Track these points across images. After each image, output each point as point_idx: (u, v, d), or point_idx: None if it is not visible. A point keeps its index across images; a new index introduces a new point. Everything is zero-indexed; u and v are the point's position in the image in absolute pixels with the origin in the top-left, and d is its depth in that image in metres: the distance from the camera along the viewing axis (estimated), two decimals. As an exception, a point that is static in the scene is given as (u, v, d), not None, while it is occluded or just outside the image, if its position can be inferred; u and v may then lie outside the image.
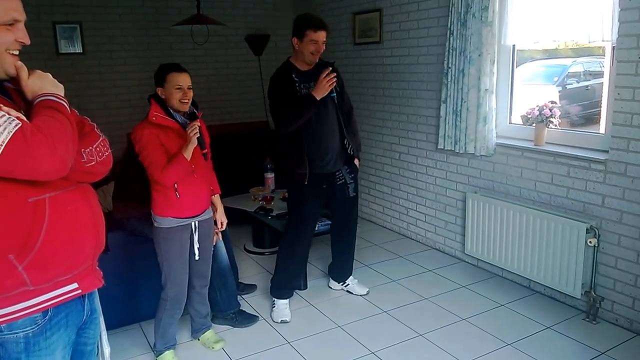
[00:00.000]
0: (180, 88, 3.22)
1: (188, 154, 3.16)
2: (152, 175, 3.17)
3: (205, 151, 3.31)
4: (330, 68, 3.78)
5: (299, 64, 3.94)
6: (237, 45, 7.08)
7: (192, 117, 3.30)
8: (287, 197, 4.33)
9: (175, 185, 3.20)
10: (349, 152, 4.09)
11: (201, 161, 3.32)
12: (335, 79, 3.76)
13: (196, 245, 3.40)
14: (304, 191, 3.97)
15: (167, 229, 3.29)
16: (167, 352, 3.53)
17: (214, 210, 3.64)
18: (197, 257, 3.43)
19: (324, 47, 3.88)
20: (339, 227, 4.40)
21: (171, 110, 3.25)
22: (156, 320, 3.49)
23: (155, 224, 3.31)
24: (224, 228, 3.74)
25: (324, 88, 3.73)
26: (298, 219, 4.10)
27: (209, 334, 3.76)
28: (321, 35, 3.83)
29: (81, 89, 6.18)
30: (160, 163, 3.13)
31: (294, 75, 3.88)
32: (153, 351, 3.60)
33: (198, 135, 3.18)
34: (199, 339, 3.77)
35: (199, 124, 3.21)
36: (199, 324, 3.74)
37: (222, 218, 3.70)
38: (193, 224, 3.36)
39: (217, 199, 3.67)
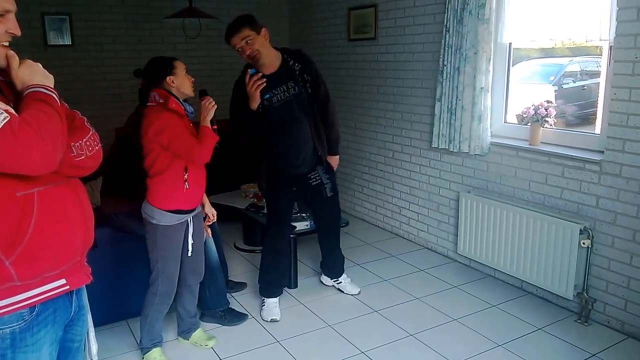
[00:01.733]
0: (187, 73, 3.30)
1: (208, 124, 3.25)
2: (190, 155, 3.17)
3: (215, 127, 3.32)
4: (250, 71, 3.64)
5: (262, 68, 3.75)
6: (230, 39, 6.98)
7: (202, 93, 3.38)
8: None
9: (186, 175, 3.19)
10: (318, 154, 4.00)
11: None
12: (263, 82, 3.63)
13: (190, 242, 3.37)
14: (274, 191, 3.99)
15: (166, 227, 3.24)
16: (154, 349, 3.48)
17: (202, 204, 3.62)
18: (190, 254, 3.39)
19: (254, 44, 3.64)
20: (322, 227, 4.37)
21: (180, 100, 3.28)
22: (143, 315, 3.44)
23: (154, 221, 3.24)
24: (214, 219, 3.73)
25: (250, 95, 3.65)
26: (273, 217, 4.10)
27: (198, 333, 3.72)
28: (235, 40, 3.64)
29: (70, 82, 6.06)
30: (194, 141, 3.16)
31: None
32: (140, 348, 3.55)
33: (215, 106, 3.27)
34: (188, 340, 3.72)
35: (211, 99, 3.32)
36: (188, 324, 3.69)
37: (211, 210, 3.71)
38: (189, 219, 3.34)
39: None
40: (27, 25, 5.77)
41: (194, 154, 3.16)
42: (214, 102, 3.28)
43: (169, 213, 3.22)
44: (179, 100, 3.24)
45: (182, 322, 3.70)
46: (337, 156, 4.23)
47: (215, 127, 3.31)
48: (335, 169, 4.21)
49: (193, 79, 3.31)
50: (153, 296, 3.37)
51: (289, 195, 4.09)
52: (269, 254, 4.16)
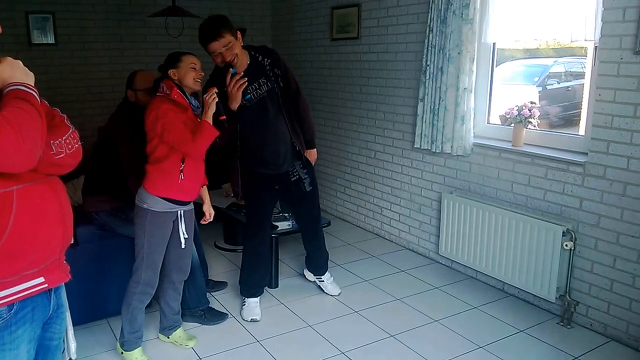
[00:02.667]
0: (195, 68, 3.30)
1: (209, 119, 3.22)
2: (184, 148, 3.16)
3: (223, 117, 3.35)
4: (232, 70, 3.53)
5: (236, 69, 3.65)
6: (212, 38, 6.90)
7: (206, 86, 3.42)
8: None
9: (182, 166, 3.20)
10: (296, 149, 3.95)
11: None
12: (244, 81, 3.52)
13: (183, 235, 3.38)
14: (253, 191, 3.94)
15: (156, 213, 3.24)
16: (135, 349, 3.44)
17: (202, 202, 3.66)
18: (183, 246, 3.40)
19: (234, 49, 3.52)
20: (303, 224, 4.32)
21: (185, 93, 3.29)
22: (124, 305, 3.39)
23: (145, 205, 3.23)
24: (211, 219, 3.73)
25: (232, 95, 3.53)
26: (252, 218, 4.06)
27: (179, 332, 3.68)
28: (215, 46, 3.48)
29: (53, 81, 6.01)
30: (189, 134, 3.15)
31: (225, 89, 3.60)
32: (120, 342, 3.47)
33: (217, 99, 3.27)
34: (168, 337, 3.67)
35: (216, 89, 3.30)
36: (171, 320, 3.65)
37: (210, 209, 3.73)
38: (179, 212, 3.33)
39: (204, 190, 3.67)
40: (11, 23, 5.72)
41: (186, 147, 3.15)
42: (215, 96, 3.26)
43: (161, 199, 3.22)
44: (183, 93, 3.26)
45: (164, 319, 3.66)
46: (315, 150, 4.18)
47: (222, 117, 3.34)
48: (313, 163, 4.16)
49: (201, 74, 3.32)
50: (136, 285, 3.34)
51: (270, 194, 4.04)
52: (249, 255, 4.11)
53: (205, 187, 3.64)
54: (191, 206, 3.45)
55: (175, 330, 3.67)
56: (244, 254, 4.17)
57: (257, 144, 3.82)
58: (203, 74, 3.35)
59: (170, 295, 3.57)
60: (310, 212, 4.23)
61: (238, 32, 3.60)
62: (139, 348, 3.45)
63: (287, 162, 3.92)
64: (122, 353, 3.45)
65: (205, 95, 3.28)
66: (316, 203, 4.26)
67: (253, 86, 3.70)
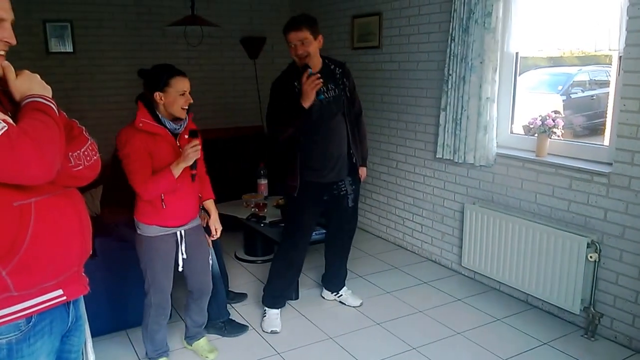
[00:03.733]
0: (184, 94, 3.07)
1: (177, 172, 3.02)
2: (133, 185, 3.03)
3: (194, 172, 3.15)
4: (310, 70, 3.58)
5: None
6: (232, 47, 6.95)
7: (193, 134, 3.11)
8: (286, 204, 4.24)
9: (162, 195, 3.07)
10: (353, 161, 3.97)
11: (187, 177, 3.16)
12: (320, 82, 3.57)
13: (181, 256, 3.27)
14: (301, 200, 3.87)
15: (151, 238, 3.17)
16: (160, 359, 3.46)
17: (207, 217, 3.50)
18: (180, 269, 3.30)
19: (309, 47, 3.65)
20: (334, 236, 4.30)
21: (160, 116, 3.09)
22: (143, 326, 3.41)
23: (139, 231, 3.19)
24: (218, 235, 3.54)
25: (307, 95, 3.56)
26: (295, 227, 4.01)
27: (202, 342, 3.68)
28: (293, 37, 3.64)
29: (71, 90, 6.04)
30: (144, 174, 2.99)
31: (296, 83, 3.69)
32: (148, 359, 3.50)
33: (198, 156, 3.06)
34: (191, 345, 3.69)
35: (199, 144, 3.08)
36: (194, 331, 3.67)
37: (216, 224, 3.50)
38: (179, 233, 3.23)
39: (211, 204, 3.51)
40: (28, 32, 5.75)
41: (136, 186, 3.02)
42: (198, 150, 3.04)
43: (151, 226, 3.15)
44: (157, 118, 3.07)
45: (187, 330, 3.69)
46: (365, 169, 4.20)
47: (194, 172, 3.15)
48: (362, 180, 4.17)
49: (190, 101, 3.11)
50: (148, 307, 3.33)
51: (317, 206, 4.01)
52: (281, 263, 4.07)
53: (212, 201, 3.51)
54: (194, 222, 3.33)
55: (198, 340, 3.68)
56: (275, 262, 4.12)
57: (316, 143, 3.82)
58: (192, 100, 3.12)
59: (192, 310, 3.57)
60: (347, 226, 4.23)
61: (320, 36, 3.73)
62: (164, 358, 3.49)
63: (336, 170, 3.91)
64: None
65: (186, 145, 3.04)
66: (354, 219, 4.26)
67: (322, 89, 3.71)
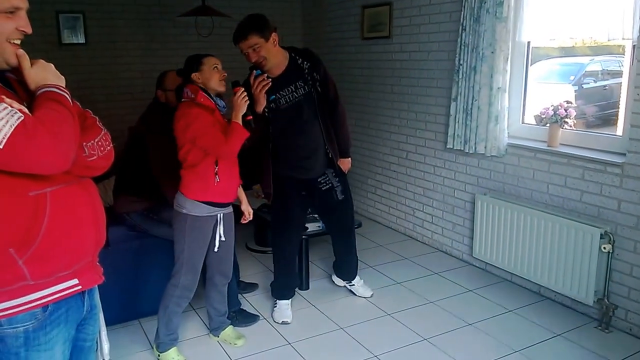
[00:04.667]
0: (217, 68, 3.27)
1: (239, 120, 3.22)
2: (216, 150, 3.17)
3: (249, 117, 3.34)
4: (255, 72, 3.57)
5: (269, 72, 3.66)
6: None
7: (235, 84, 3.36)
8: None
9: (216, 169, 3.20)
10: (329, 156, 3.93)
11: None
12: (268, 82, 3.54)
13: (219, 237, 3.38)
14: (283, 196, 3.88)
15: (196, 217, 3.25)
16: (170, 350, 3.47)
17: (240, 202, 3.65)
18: (216, 249, 3.39)
19: (261, 51, 3.54)
20: (335, 230, 4.28)
21: (210, 94, 3.27)
22: (162, 307, 3.42)
23: (184, 211, 3.24)
24: (250, 217, 3.71)
25: (256, 97, 3.54)
26: (281, 219, 4.03)
27: (228, 331, 3.73)
28: (243, 46, 3.53)
29: (83, 81, 6.04)
30: (221, 137, 3.15)
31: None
32: (155, 344, 3.51)
33: (247, 100, 3.27)
34: (218, 336, 3.72)
35: (243, 89, 3.30)
36: (218, 322, 3.71)
37: (248, 208, 3.69)
38: (219, 215, 3.34)
39: (240, 190, 3.63)
40: (41, 23, 5.76)
41: (219, 149, 3.16)
42: (246, 97, 3.27)
43: (201, 203, 3.23)
44: (209, 95, 3.25)
45: (211, 321, 3.73)
46: (349, 159, 4.16)
47: (249, 117, 3.32)
48: (346, 172, 4.13)
49: (224, 74, 3.29)
50: (174, 288, 3.36)
51: (298, 201, 3.99)
52: (278, 258, 4.11)
53: (240, 187, 3.62)
54: (230, 209, 3.45)
55: (224, 329, 3.72)
56: (274, 258, 4.16)
57: (289, 146, 3.81)
58: (226, 74, 3.32)
59: (214, 298, 3.61)
60: (341, 221, 4.20)
61: (273, 35, 3.58)
62: (174, 348, 3.49)
63: (316, 168, 3.91)
64: (158, 356, 3.48)
65: (234, 96, 3.26)
66: (349, 213, 4.22)
67: (288, 89, 3.69)
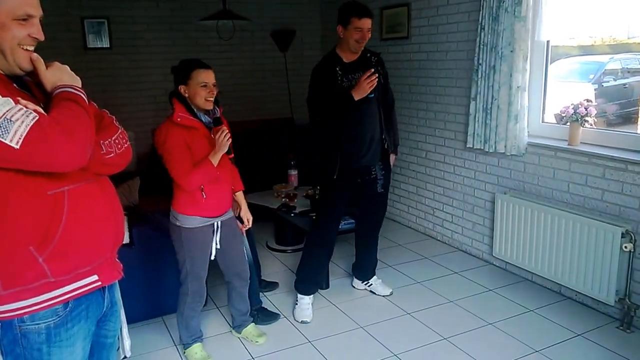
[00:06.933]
0: (206, 85, 3.11)
1: (216, 160, 3.11)
2: (175, 179, 3.10)
3: (231, 156, 3.26)
4: (372, 70, 3.67)
5: (344, 54, 3.86)
6: (262, 41, 7.00)
7: (216, 122, 3.21)
8: (318, 193, 4.28)
9: (202, 186, 3.14)
10: (385, 146, 4.00)
11: (226, 164, 3.27)
12: (376, 81, 3.64)
13: (215, 246, 3.35)
14: (334, 188, 3.92)
15: (190, 229, 3.24)
16: (194, 345, 3.52)
17: (238, 208, 3.59)
18: (212, 257, 3.38)
19: (369, 35, 3.79)
20: (364, 224, 4.32)
21: (195, 110, 3.16)
22: (178, 313, 3.49)
23: (178, 223, 3.24)
24: (250, 225, 3.65)
25: (363, 90, 3.64)
26: (328, 212, 4.05)
27: (250, 328, 3.76)
28: (366, 23, 3.73)
29: (108, 85, 6.18)
30: (185, 167, 3.06)
31: (337, 68, 3.80)
32: (181, 344, 3.59)
33: (230, 141, 3.14)
34: (240, 333, 3.76)
35: (226, 129, 3.16)
36: (240, 320, 3.75)
37: (247, 215, 3.63)
38: (215, 224, 3.32)
39: (240, 196, 3.61)
40: (66, 28, 5.90)
41: (179, 179, 3.08)
42: (229, 135, 3.13)
43: (191, 217, 3.22)
44: (191, 111, 3.14)
45: (234, 319, 3.77)
46: (395, 156, 4.26)
47: (231, 155, 3.25)
48: (392, 166, 4.22)
49: (213, 92, 3.14)
50: (185, 295, 3.40)
51: (349, 193, 4.04)
52: (314, 248, 4.12)
53: (241, 192, 3.60)
54: (229, 214, 3.43)
55: (246, 327, 3.75)
56: (308, 247, 4.18)
57: (351, 126, 3.86)
58: (216, 91, 3.16)
59: (234, 299, 3.65)
60: (375, 215, 4.26)
61: None
62: (199, 343, 3.54)
63: (370, 154, 3.96)
64: (184, 353, 3.54)
65: (218, 135, 3.12)
66: (384, 208, 4.29)
67: (358, 74, 3.78)
